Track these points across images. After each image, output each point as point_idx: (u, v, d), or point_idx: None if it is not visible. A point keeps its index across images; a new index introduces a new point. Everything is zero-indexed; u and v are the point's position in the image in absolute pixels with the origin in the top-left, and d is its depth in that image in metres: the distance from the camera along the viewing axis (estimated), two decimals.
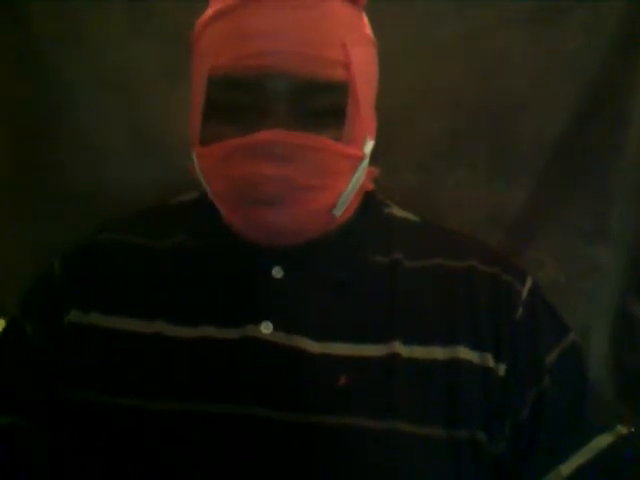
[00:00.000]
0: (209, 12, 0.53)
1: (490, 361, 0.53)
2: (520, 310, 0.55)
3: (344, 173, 0.53)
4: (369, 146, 0.54)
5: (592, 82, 0.77)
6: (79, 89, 0.82)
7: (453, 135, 0.81)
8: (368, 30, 0.55)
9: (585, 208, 0.80)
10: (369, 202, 0.60)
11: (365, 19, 0.55)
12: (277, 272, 0.55)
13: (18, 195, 0.85)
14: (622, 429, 0.54)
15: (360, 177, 0.54)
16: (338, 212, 0.53)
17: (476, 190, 0.82)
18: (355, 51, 0.51)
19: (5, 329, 0.61)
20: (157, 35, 0.79)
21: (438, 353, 0.53)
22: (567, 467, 0.52)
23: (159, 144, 0.82)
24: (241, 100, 0.50)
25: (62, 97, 0.82)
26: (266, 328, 0.53)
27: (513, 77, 0.78)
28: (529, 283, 0.57)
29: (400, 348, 0.53)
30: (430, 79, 0.79)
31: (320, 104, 0.50)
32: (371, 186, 0.59)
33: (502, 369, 0.53)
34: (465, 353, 0.53)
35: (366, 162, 0.54)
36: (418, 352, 0.53)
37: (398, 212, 0.63)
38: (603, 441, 0.53)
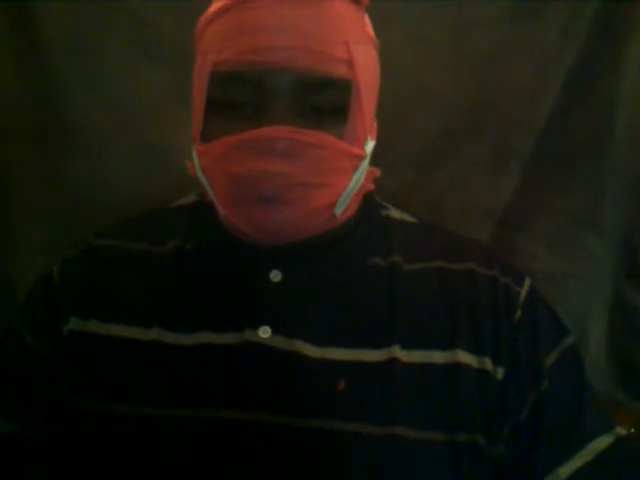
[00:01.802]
0: (212, 9, 0.53)
1: (488, 364, 0.53)
2: (518, 312, 0.55)
3: (345, 172, 0.53)
4: (370, 146, 0.55)
5: (577, 69, 0.78)
6: (87, 105, 0.83)
7: (448, 133, 0.81)
8: (370, 30, 0.55)
9: (578, 196, 0.80)
10: (368, 204, 0.60)
11: (367, 19, 0.55)
12: (275, 276, 0.54)
13: (30, 205, 0.87)
14: (621, 430, 0.54)
15: (361, 176, 0.54)
16: (338, 211, 0.53)
17: (472, 185, 0.82)
18: (358, 49, 0.51)
19: (4, 337, 0.60)
20: (165, 57, 0.81)
21: (437, 357, 0.53)
22: (566, 470, 0.52)
23: (166, 157, 0.82)
24: (243, 96, 0.50)
25: (71, 113, 0.84)
26: (264, 332, 0.53)
27: (504, 72, 0.79)
28: (527, 285, 0.57)
29: (399, 353, 0.53)
30: (424, 78, 0.80)
31: (322, 101, 0.50)
32: (371, 186, 0.59)
33: (500, 372, 0.53)
34: (464, 357, 0.53)
35: (367, 161, 0.54)
36: (417, 356, 0.53)
37: (396, 214, 0.63)
38: (602, 443, 0.53)
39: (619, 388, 0.82)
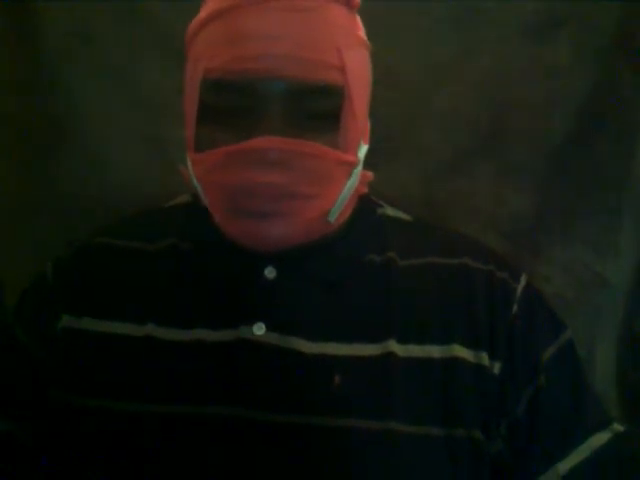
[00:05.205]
0: (202, 14, 0.52)
1: (485, 359, 0.53)
2: (515, 307, 0.55)
3: (338, 179, 0.52)
4: (363, 151, 0.54)
5: (594, 92, 0.77)
6: (86, 102, 0.83)
7: (456, 148, 0.81)
8: (362, 33, 0.55)
9: (594, 221, 0.79)
10: (363, 203, 0.60)
11: (359, 22, 0.55)
12: (270, 272, 0.54)
13: (23, 205, 0.86)
14: (618, 426, 0.54)
15: (354, 182, 0.54)
16: (332, 218, 0.53)
17: (480, 202, 0.82)
18: (350, 55, 0.51)
19: None
20: (168, 53, 0.79)
21: (434, 351, 0.53)
22: (564, 465, 0.52)
23: (167, 154, 0.82)
24: (235, 104, 0.50)
25: (70, 111, 0.84)
26: (259, 329, 0.52)
27: (512, 90, 0.79)
28: (524, 280, 0.57)
29: (396, 347, 0.52)
30: (430, 93, 0.80)
31: (315, 108, 0.50)
32: (365, 190, 0.58)
33: (497, 367, 0.53)
34: (461, 351, 0.53)
35: (360, 167, 0.54)
36: (414, 351, 0.53)
37: (391, 212, 0.63)
38: (600, 439, 0.52)
39: (624, 418, 0.80)
